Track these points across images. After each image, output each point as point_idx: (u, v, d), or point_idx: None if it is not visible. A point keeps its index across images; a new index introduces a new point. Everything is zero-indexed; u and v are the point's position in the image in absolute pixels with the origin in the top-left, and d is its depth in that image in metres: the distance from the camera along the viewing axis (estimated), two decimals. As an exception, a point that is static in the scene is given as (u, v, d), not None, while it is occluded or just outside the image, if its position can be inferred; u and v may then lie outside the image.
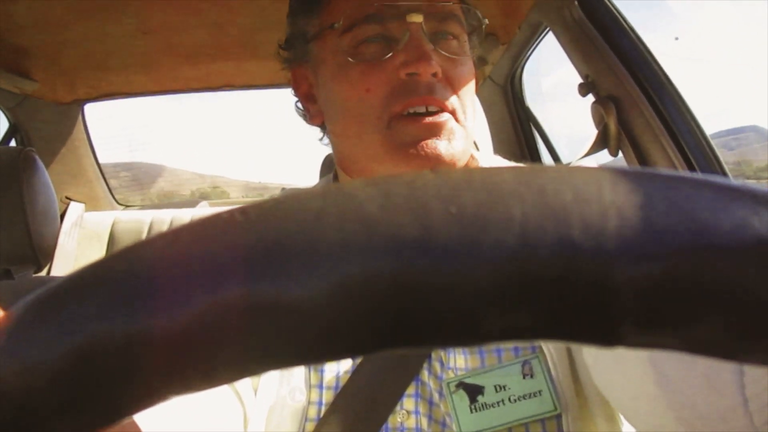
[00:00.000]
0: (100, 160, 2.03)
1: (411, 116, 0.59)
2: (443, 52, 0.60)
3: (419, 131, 0.58)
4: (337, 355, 0.14)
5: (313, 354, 0.14)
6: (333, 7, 0.62)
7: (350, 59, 0.60)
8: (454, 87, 0.60)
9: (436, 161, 0.58)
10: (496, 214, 0.13)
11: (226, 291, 0.13)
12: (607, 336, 0.14)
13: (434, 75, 0.58)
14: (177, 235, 0.15)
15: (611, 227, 0.13)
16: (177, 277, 0.14)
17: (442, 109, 0.59)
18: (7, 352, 0.14)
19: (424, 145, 0.58)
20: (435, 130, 0.58)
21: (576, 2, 1.12)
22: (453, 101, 0.60)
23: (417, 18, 0.58)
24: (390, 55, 0.59)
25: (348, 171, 0.67)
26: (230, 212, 0.15)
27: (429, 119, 0.58)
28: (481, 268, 0.13)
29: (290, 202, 0.14)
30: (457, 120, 0.60)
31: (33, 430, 0.14)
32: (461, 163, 0.62)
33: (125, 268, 0.14)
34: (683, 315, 0.13)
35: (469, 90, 0.62)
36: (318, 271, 0.13)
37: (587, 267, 0.13)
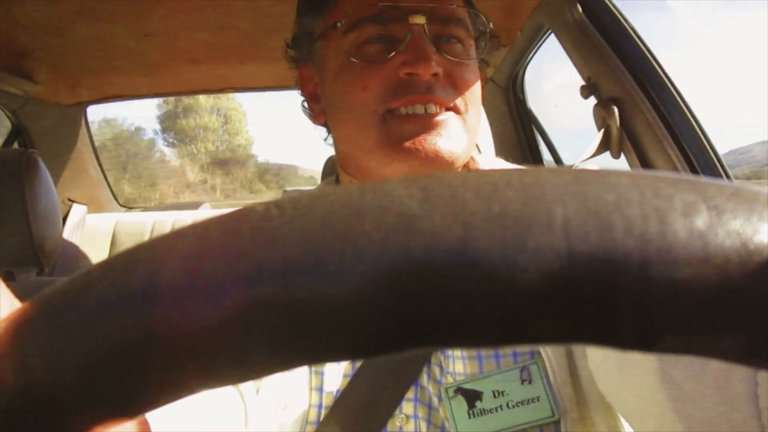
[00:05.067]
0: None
1: (409, 116, 0.58)
2: (446, 55, 0.60)
3: (416, 127, 0.57)
4: (373, 352, 0.14)
5: (346, 350, 0.14)
6: (338, 8, 0.62)
7: (352, 59, 0.60)
8: (457, 89, 0.60)
9: (433, 158, 0.57)
10: (538, 215, 0.13)
11: (263, 285, 0.13)
12: (643, 340, 0.13)
13: (435, 75, 0.58)
14: (208, 227, 0.14)
15: (653, 231, 0.13)
16: (212, 270, 0.13)
17: (443, 107, 0.59)
18: (35, 344, 0.14)
19: (422, 140, 0.57)
20: (433, 126, 0.58)
21: (578, 4, 1.12)
22: (455, 101, 0.60)
23: (419, 20, 0.58)
24: (392, 55, 0.59)
25: (347, 170, 0.67)
26: (265, 205, 0.14)
27: (427, 118, 0.58)
28: (523, 270, 0.13)
29: (326, 197, 0.14)
30: (459, 116, 0.60)
31: (60, 419, 0.14)
32: (460, 163, 0.61)
33: (156, 259, 0.14)
34: (723, 323, 0.13)
35: (473, 93, 0.62)
36: (358, 267, 0.13)
37: (629, 270, 0.13)
